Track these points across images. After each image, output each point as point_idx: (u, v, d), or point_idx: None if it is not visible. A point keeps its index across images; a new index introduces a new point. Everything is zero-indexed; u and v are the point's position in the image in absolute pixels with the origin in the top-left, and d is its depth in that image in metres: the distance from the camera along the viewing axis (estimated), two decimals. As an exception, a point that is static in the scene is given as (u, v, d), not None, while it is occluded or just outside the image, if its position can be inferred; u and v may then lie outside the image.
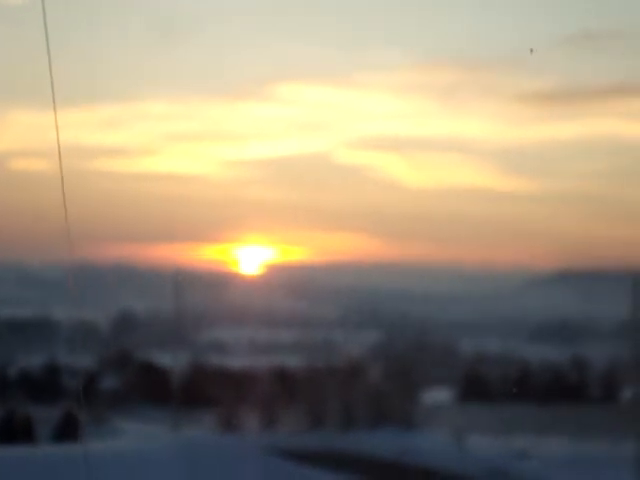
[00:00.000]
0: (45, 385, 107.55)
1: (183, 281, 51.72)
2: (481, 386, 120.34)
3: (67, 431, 54.07)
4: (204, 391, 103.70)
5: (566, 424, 65.88)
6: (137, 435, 57.42)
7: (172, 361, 62.58)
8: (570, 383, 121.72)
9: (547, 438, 47.47)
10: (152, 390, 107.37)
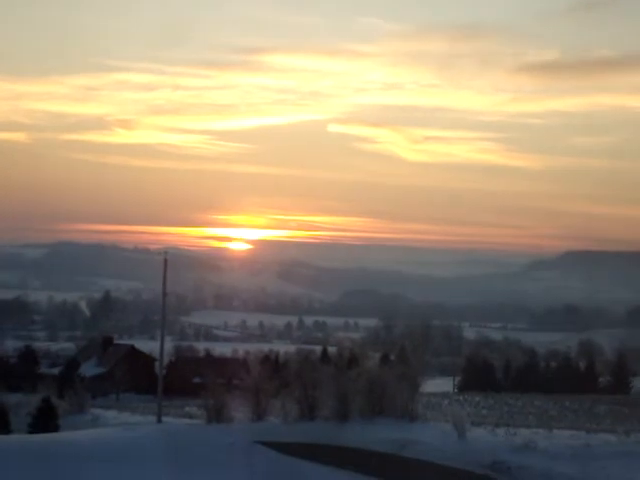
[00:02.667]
0: (20, 371, 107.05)
1: (170, 262, 51.42)
2: (484, 375, 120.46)
3: (44, 419, 53.89)
4: (190, 378, 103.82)
5: (573, 414, 66.02)
6: (119, 422, 57.42)
7: (156, 346, 62.49)
8: (579, 372, 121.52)
9: (555, 429, 47.33)
10: (135, 376, 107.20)
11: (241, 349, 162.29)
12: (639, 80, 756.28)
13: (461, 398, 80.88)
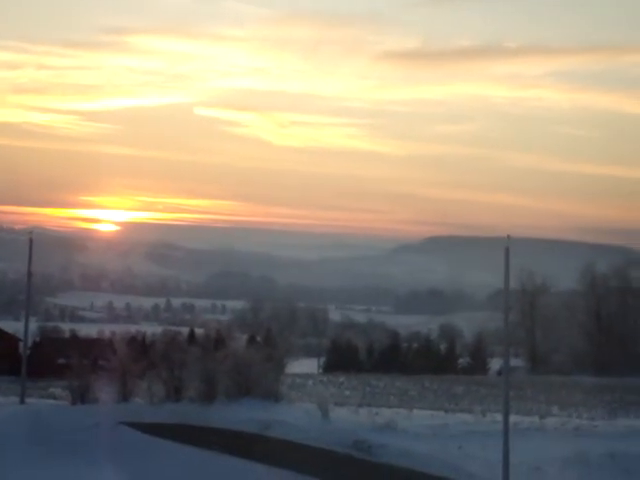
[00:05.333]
0: None
1: (36, 242, 50.50)
2: (348, 356, 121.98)
3: None
4: (55, 358, 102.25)
5: (433, 394, 67.48)
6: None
7: (21, 326, 61.35)
8: (439, 354, 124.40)
9: (415, 409, 48.37)
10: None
11: (107, 330, 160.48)
12: (498, 70, 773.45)
13: (325, 379, 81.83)
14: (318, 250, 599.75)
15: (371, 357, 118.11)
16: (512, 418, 33.61)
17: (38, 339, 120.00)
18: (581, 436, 38.43)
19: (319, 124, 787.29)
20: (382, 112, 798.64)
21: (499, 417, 35.26)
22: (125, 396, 45.05)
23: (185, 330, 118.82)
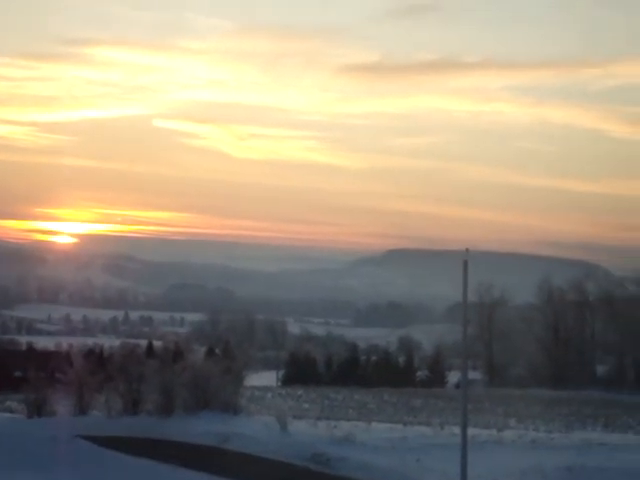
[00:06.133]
0: None
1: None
2: (307, 369, 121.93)
3: None
4: (11, 371, 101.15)
5: (392, 407, 67.61)
6: None
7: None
8: (398, 367, 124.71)
9: (374, 422, 48.48)
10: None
11: (65, 343, 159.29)
12: (458, 83, 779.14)
13: (284, 392, 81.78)
14: (278, 262, 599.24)
15: (330, 370, 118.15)
16: (470, 431, 33.79)
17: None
18: (538, 449, 38.68)
19: (279, 137, 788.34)
20: (342, 125, 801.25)
21: (457, 430, 35.43)
22: (82, 409, 44.80)
23: (143, 343, 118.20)
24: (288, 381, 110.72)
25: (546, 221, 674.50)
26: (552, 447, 39.38)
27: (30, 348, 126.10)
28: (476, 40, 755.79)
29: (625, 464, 34.22)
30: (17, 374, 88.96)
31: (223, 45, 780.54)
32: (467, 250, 28.15)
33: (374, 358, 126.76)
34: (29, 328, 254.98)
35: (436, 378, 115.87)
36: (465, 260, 27.90)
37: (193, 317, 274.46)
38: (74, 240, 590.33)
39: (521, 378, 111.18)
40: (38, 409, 44.53)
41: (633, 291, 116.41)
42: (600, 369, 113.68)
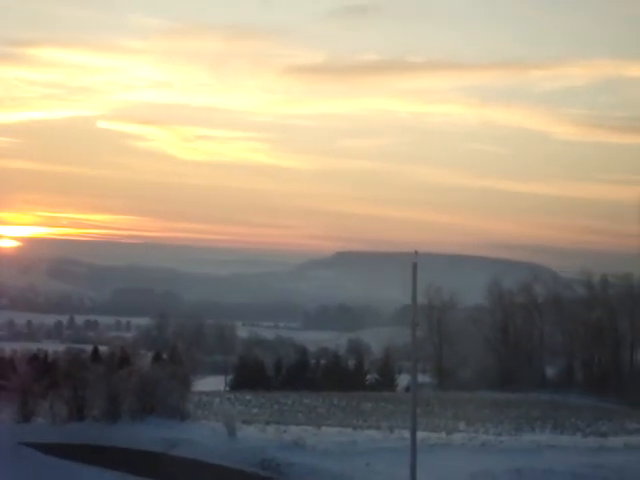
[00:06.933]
0: None
1: None
2: (255, 373, 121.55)
3: None
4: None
5: (341, 412, 67.63)
6: None
7: None
8: (347, 370, 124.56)
9: (323, 426, 48.45)
10: None
11: (8, 348, 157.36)
12: (404, 85, 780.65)
13: (232, 397, 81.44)
14: (226, 266, 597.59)
15: (279, 374, 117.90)
16: (419, 434, 33.89)
17: None
18: (488, 452, 38.92)
19: (224, 138, 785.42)
20: (288, 126, 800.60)
21: (407, 433, 35.52)
22: (26, 416, 44.27)
23: (89, 348, 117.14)
24: (237, 386, 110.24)
25: (493, 223, 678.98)
26: (501, 450, 39.64)
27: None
28: (421, 41, 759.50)
29: (573, 466, 34.53)
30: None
31: (168, 46, 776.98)
32: (416, 252, 28.23)
33: (323, 362, 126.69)
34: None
35: (386, 381, 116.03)
36: (414, 262, 27.99)
37: (140, 322, 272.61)
38: (17, 244, 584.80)
39: (470, 381, 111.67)
40: (-19, 416, 43.99)
41: (581, 293, 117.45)
42: (549, 371, 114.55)
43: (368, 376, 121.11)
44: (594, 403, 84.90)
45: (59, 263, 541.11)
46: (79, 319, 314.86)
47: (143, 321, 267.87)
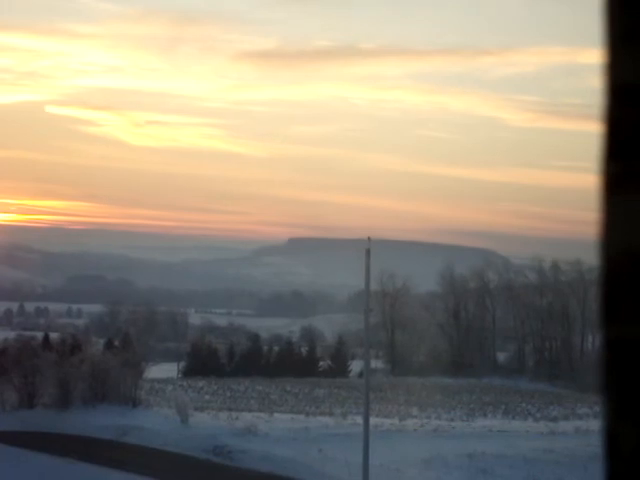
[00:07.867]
0: None
1: None
2: (208, 360, 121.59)
3: None
4: None
5: (294, 398, 67.79)
6: None
7: None
8: (300, 357, 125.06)
9: (274, 413, 48.52)
10: None
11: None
12: (357, 70, 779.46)
13: (185, 384, 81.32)
14: (178, 252, 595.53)
15: (232, 361, 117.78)
16: (372, 420, 34.03)
17: None
18: (440, 437, 39.19)
19: (176, 124, 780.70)
20: (241, 112, 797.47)
21: (360, 419, 35.66)
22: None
23: (39, 335, 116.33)
24: (189, 373, 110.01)
25: (446, 209, 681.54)
26: (453, 435, 39.94)
27: None
28: (374, 27, 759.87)
29: (524, 451, 34.87)
30: None
31: (119, 30, 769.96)
32: (369, 239, 28.29)
33: (277, 348, 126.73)
34: None
35: (339, 368, 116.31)
36: (367, 249, 28.05)
37: (91, 308, 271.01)
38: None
39: (423, 367, 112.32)
40: None
41: (532, 279, 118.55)
42: (501, 357, 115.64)
43: (321, 362, 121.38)
44: (545, 388, 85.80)
45: (10, 250, 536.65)
46: (29, 306, 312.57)
47: (95, 308, 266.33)
